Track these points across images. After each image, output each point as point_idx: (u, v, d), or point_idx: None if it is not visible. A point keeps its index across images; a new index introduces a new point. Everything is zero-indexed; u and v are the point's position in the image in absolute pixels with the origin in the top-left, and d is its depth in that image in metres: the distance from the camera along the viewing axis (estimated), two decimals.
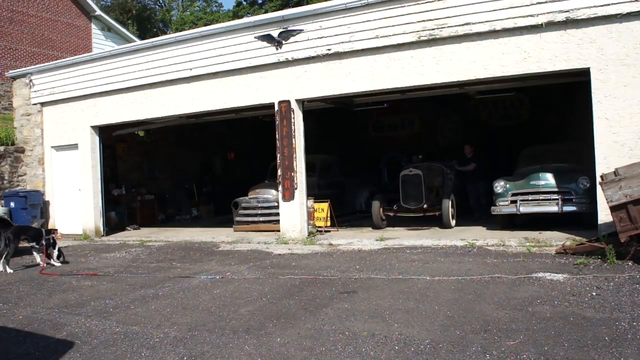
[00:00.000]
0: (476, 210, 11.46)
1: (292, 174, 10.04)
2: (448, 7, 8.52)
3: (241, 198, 12.08)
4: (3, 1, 17.69)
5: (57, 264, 8.54)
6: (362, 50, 9.30)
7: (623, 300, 4.82)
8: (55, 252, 8.65)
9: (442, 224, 10.29)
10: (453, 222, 10.37)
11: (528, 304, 4.90)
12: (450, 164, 11.64)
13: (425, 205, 10.48)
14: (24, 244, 8.80)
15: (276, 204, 10.94)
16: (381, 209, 11.01)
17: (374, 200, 11.16)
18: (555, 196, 8.89)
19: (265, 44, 10.06)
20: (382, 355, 3.83)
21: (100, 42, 20.64)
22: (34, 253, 8.67)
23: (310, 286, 6.12)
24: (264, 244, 9.85)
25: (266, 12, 26.68)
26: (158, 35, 25.96)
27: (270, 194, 11.69)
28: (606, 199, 6.46)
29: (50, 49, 19.04)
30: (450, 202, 10.24)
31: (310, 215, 10.55)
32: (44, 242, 8.46)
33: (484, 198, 11.06)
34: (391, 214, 11.01)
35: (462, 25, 8.44)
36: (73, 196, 12.81)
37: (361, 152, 17.11)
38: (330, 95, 9.93)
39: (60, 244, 11.13)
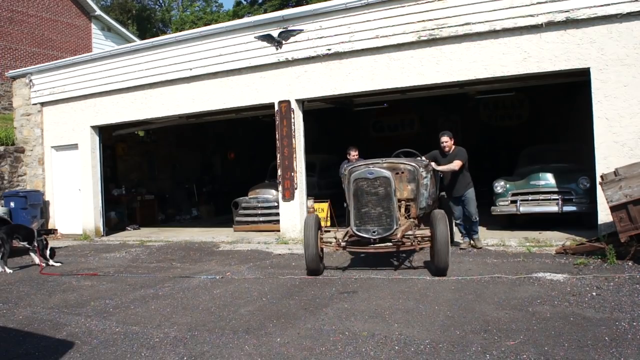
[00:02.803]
0: (464, 235, 8.09)
1: (292, 174, 10.05)
2: (448, 7, 8.52)
3: (241, 198, 12.09)
4: (3, 1, 17.70)
5: (57, 265, 8.53)
6: (362, 50, 9.30)
7: (623, 300, 4.82)
8: (48, 252, 8.61)
9: (434, 265, 6.22)
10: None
11: (528, 304, 4.90)
12: (424, 162, 7.51)
13: (398, 234, 6.22)
14: (16, 245, 8.75)
15: (276, 204, 10.94)
16: (320, 239, 6.59)
17: (306, 220, 6.75)
18: (555, 196, 8.89)
19: (265, 44, 10.06)
20: (382, 355, 3.83)
21: (100, 42, 20.65)
22: (31, 254, 8.67)
23: (310, 286, 6.12)
24: (264, 244, 9.85)
25: (266, 11, 26.70)
26: (158, 35, 26.02)
27: (270, 194, 11.69)
28: (606, 199, 6.46)
29: (50, 49, 19.05)
30: (447, 224, 6.27)
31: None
32: (36, 244, 8.45)
33: (476, 214, 7.84)
34: (334, 249, 6.83)
35: (462, 25, 8.44)
36: (73, 196, 12.81)
37: (361, 152, 17.10)
38: (330, 95, 9.92)
39: (60, 244, 11.19)
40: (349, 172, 6.77)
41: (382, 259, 7.29)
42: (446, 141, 7.90)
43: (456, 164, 7.75)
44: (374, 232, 6.23)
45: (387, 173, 6.30)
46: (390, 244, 6.37)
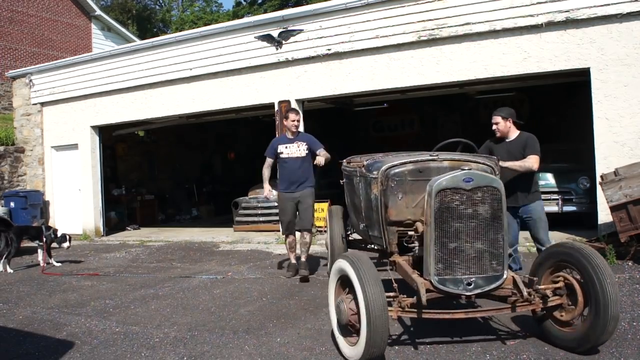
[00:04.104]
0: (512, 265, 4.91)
1: None
2: (448, 7, 8.52)
3: (241, 198, 12.09)
4: (3, 1, 17.70)
5: (57, 264, 8.54)
6: (362, 50, 9.30)
7: (623, 300, 4.82)
8: (59, 236, 8.63)
9: (584, 337, 3.63)
10: None
11: None
12: (493, 159, 4.57)
13: (524, 290, 3.76)
14: (27, 244, 8.81)
15: (276, 204, 10.93)
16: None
17: (358, 265, 3.60)
18: (555, 196, 8.90)
19: (265, 44, 10.07)
20: None
21: (100, 42, 20.65)
22: (38, 250, 8.69)
23: (310, 286, 6.12)
24: (264, 244, 9.85)
25: (265, 11, 26.70)
26: (158, 35, 26.00)
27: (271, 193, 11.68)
28: (606, 199, 6.46)
29: (50, 49, 19.05)
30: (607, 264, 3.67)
31: None
32: (44, 239, 8.48)
33: (549, 241, 5.17)
34: (394, 315, 3.66)
35: (462, 25, 8.44)
36: (73, 196, 12.81)
37: (361, 152, 17.15)
38: (330, 95, 9.92)
39: None
40: (390, 173, 4.12)
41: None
42: (497, 122, 5.35)
43: (532, 161, 5.07)
44: (469, 284, 3.69)
45: (496, 180, 3.77)
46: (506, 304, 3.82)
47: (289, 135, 6.50)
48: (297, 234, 6.69)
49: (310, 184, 6.49)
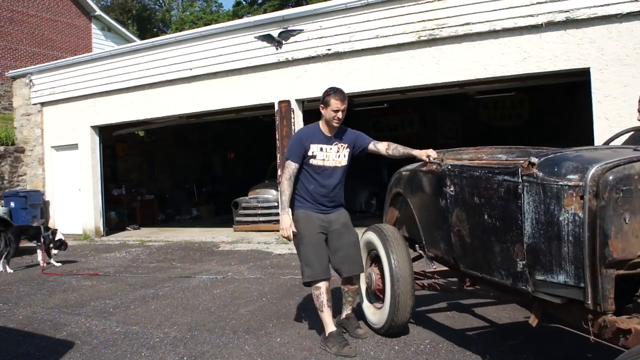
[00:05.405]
0: None
1: None
2: (448, 7, 8.52)
3: (241, 198, 12.10)
4: (3, 1, 17.70)
5: (57, 264, 8.54)
6: (362, 50, 9.30)
7: None
8: (58, 239, 8.60)
9: None
10: None
11: None
12: None
13: None
14: (26, 244, 8.81)
15: (276, 204, 10.96)
16: None
17: None
18: None
19: (265, 44, 10.07)
20: (382, 355, 3.83)
21: (100, 42, 20.66)
22: (37, 250, 8.69)
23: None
24: (264, 244, 9.85)
25: (265, 11, 26.70)
26: (158, 35, 26.01)
27: (270, 194, 11.69)
28: None
29: (50, 49, 19.05)
30: None
31: None
32: (42, 239, 8.48)
33: None
34: None
35: (462, 25, 8.44)
36: (73, 196, 12.81)
37: None
38: None
39: None
40: (610, 179, 2.39)
41: None
42: None
43: None
44: None
45: None
46: None
47: (326, 132, 4.07)
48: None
49: (343, 203, 4.22)
